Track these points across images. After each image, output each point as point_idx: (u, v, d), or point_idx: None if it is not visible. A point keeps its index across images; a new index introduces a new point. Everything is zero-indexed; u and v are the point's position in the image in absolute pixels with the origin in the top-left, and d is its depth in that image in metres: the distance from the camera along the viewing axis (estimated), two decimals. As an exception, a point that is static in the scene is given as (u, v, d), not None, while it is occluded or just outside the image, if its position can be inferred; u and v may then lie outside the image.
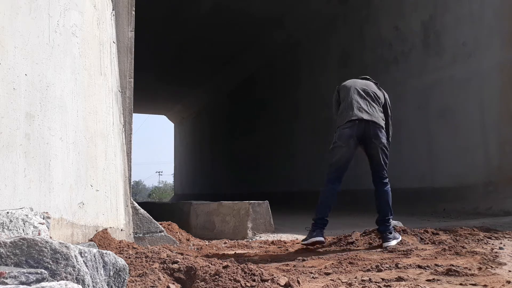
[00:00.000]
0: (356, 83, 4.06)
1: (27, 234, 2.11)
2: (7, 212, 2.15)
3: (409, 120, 8.93)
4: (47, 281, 1.41)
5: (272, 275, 2.21)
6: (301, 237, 4.31)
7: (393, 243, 3.62)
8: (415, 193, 8.25)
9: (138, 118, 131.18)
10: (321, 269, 2.82)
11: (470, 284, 2.29)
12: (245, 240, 4.76)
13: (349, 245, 3.81)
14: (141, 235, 4.15)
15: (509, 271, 2.55)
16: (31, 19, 3.06)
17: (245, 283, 2.07)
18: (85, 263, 1.59)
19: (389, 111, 4.07)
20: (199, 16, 13.20)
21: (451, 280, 2.38)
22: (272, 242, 4.42)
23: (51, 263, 1.50)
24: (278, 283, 2.09)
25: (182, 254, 2.97)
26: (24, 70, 2.93)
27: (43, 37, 3.13)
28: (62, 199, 3.14)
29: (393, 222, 4.02)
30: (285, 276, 2.29)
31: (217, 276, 2.13)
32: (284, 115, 14.56)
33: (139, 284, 2.07)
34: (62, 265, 1.51)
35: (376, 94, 4.00)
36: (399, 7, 9.50)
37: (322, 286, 2.29)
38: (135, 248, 3.25)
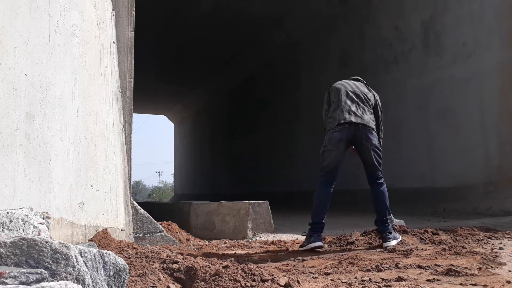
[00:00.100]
0: (346, 85, 4.04)
1: (27, 234, 2.11)
2: (7, 212, 2.15)
3: (409, 120, 8.94)
4: (47, 281, 1.41)
5: (272, 275, 2.21)
6: (301, 237, 4.31)
7: (393, 243, 3.63)
8: (415, 193, 8.25)
9: (138, 118, 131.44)
10: (321, 269, 2.82)
11: (470, 284, 2.29)
12: (245, 240, 4.75)
13: (349, 245, 3.82)
14: (141, 235, 4.15)
15: (509, 271, 2.55)
16: (31, 19, 3.06)
17: (245, 283, 2.07)
18: (85, 263, 1.59)
19: (379, 113, 4.05)
20: (199, 16, 13.19)
21: (451, 280, 2.38)
22: (272, 242, 4.42)
23: (51, 263, 1.50)
24: (278, 283, 2.09)
25: (182, 254, 2.97)
26: (24, 70, 2.93)
27: (43, 37, 3.13)
28: (62, 199, 3.14)
29: (396, 221, 4.03)
30: (285, 276, 2.29)
31: (217, 276, 2.13)
32: (284, 115, 14.55)
33: (139, 284, 2.07)
34: (62, 265, 1.51)
35: (366, 96, 3.99)
36: (399, 7, 9.49)
37: (322, 286, 2.29)
38: (135, 248, 3.25)
